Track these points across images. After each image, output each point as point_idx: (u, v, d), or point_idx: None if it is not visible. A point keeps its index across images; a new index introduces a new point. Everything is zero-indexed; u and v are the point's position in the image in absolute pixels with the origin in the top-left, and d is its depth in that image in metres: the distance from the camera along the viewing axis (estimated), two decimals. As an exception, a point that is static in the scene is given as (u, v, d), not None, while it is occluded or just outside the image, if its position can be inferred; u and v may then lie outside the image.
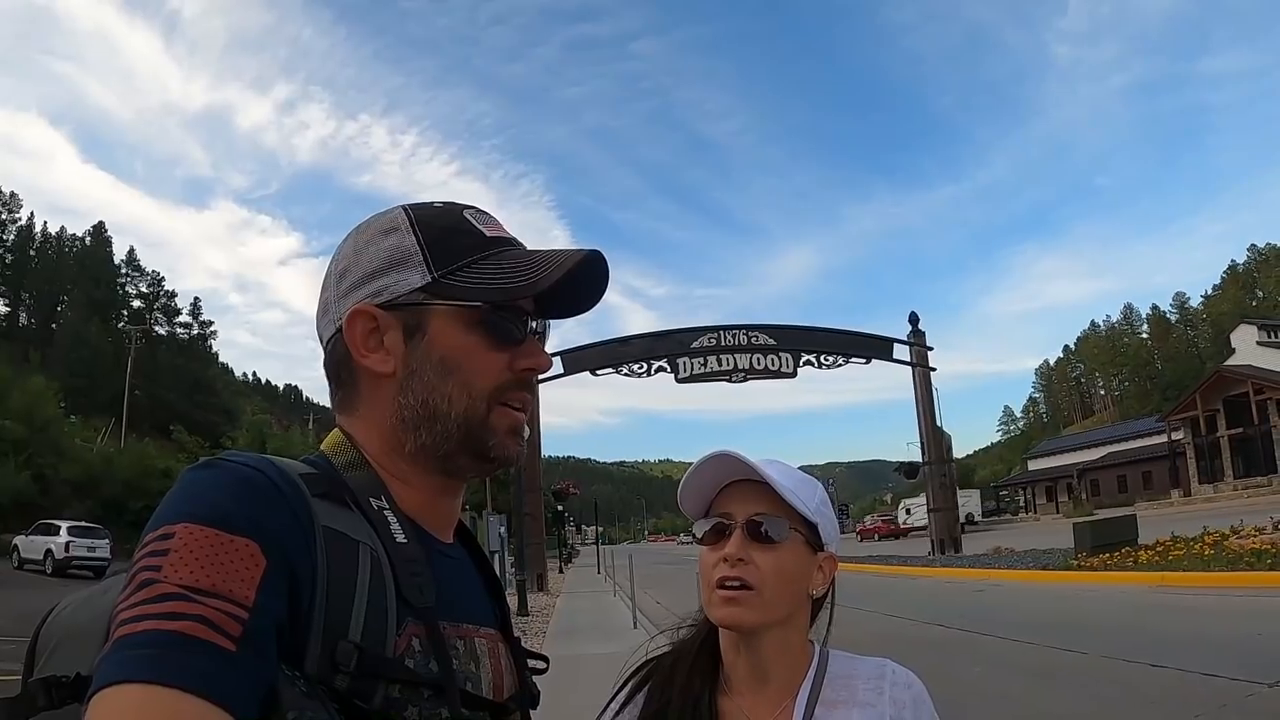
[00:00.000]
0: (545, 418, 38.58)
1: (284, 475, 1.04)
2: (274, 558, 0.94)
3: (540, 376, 1.30)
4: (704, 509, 1.73)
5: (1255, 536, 21.55)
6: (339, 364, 1.24)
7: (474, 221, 1.25)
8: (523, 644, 1.41)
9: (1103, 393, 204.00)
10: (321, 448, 1.23)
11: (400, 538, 1.11)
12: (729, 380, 40.72)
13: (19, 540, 39.69)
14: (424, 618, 1.08)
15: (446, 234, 1.22)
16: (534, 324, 1.26)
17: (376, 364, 1.20)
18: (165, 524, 0.93)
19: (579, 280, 1.24)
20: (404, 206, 1.27)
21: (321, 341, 1.27)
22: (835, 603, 1.80)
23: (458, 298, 1.19)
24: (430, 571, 1.12)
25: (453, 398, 1.18)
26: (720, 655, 1.72)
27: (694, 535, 1.73)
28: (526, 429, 1.27)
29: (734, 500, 1.67)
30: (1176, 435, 78.82)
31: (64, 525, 37.90)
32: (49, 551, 36.12)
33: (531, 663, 1.40)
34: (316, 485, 1.07)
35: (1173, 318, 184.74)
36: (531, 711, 1.38)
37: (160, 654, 0.83)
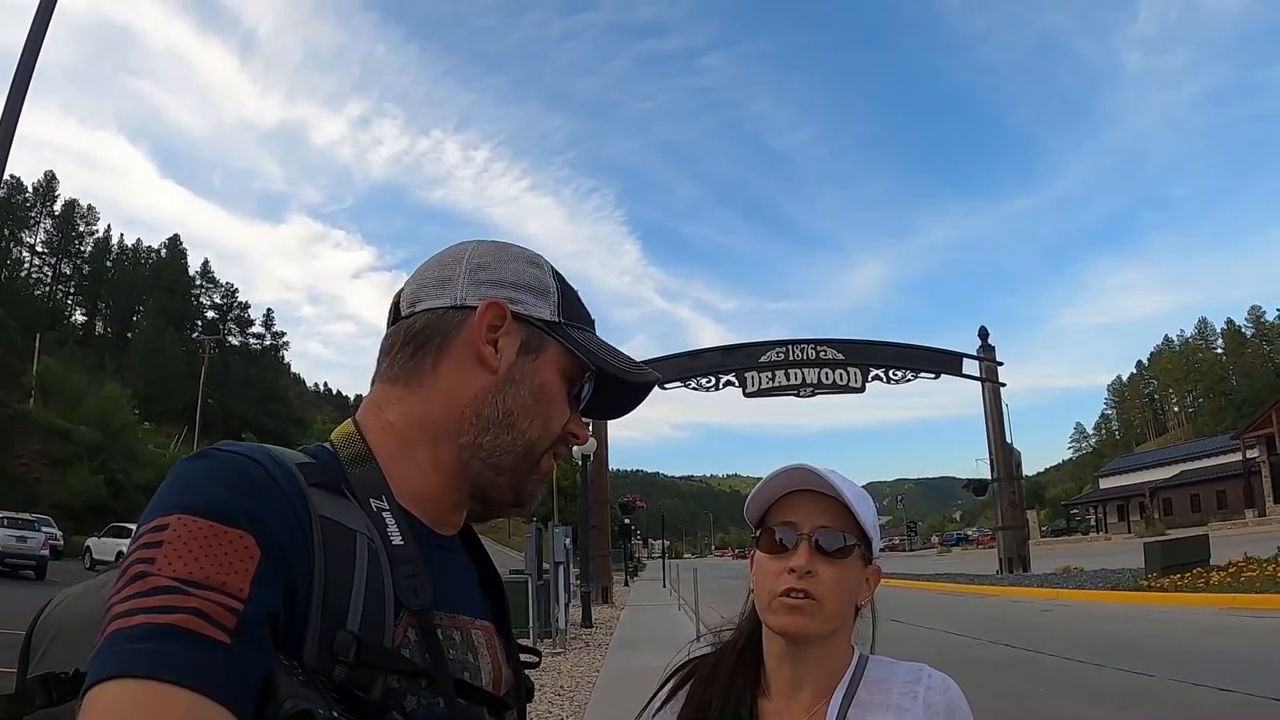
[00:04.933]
0: (614, 431, 38.68)
1: (279, 464, 1.04)
2: (269, 548, 0.94)
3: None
4: (761, 515, 1.74)
5: (1331, 559, 20.98)
6: (435, 333, 1.25)
7: (592, 318, 1.39)
8: (528, 645, 1.43)
9: (1176, 409, 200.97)
10: (331, 438, 1.23)
11: (397, 539, 1.11)
12: (797, 395, 40.35)
13: (91, 541, 40.81)
14: (418, 614, 1.08)
15: (572, 297, 1.34)
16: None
17: (489, 356, 1.23)
18: (159, 515, 0.93)
19: (630, 394, 1.40)
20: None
21: (413, 306, 1.28)
22: (884, 616, 1.83)
23: (574, 346, 1.28)
24: (427, 571, 1.11)
25: (534, 422, 1.24)
26: (761, 657, 1.74)
27: (753, 540, 1.74)
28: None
29: (798, 509, 1.67)
30: (1251, 453, 77.44)
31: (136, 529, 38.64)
32: (120, 554, 36.55)
33: (524, 657, 1.41)
34: (312, 474, 1.07)
35: (1248, 332, 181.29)
36: (528, 704, 1.40)
37: (153, 648, 0.82)
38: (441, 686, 1.06)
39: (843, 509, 1.64)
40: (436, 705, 1.05)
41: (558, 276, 1.33)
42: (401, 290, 1.31)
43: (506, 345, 1.24)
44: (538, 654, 1.48)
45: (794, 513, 1.67)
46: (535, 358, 1.25)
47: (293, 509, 1.01)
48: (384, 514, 1.13)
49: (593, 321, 1.38)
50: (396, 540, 1.11)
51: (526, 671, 1.41)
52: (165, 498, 0.96)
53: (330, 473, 1.11)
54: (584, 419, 1.35)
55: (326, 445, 1.22)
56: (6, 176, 11.43)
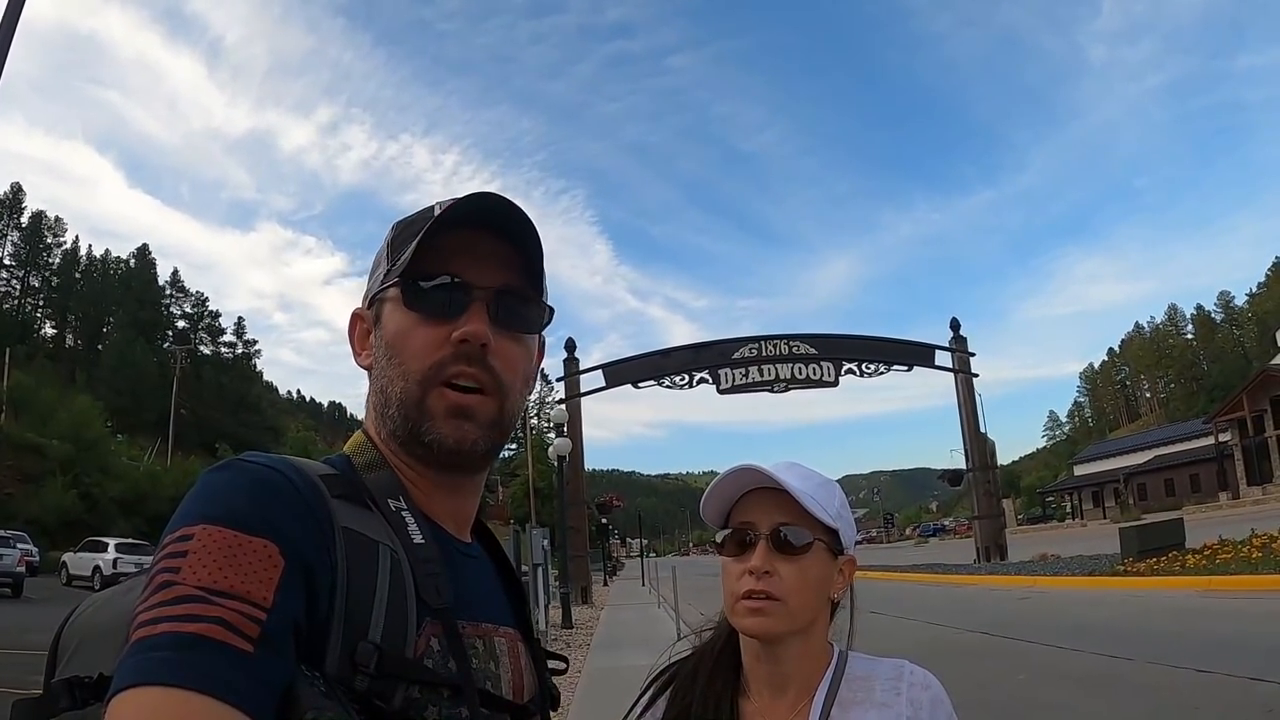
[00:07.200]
0: (588, 431, 38.76)
1: (303, 476, 1.05)
2: (292, 559, 0.95)
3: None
4: (724, 517, 1.73)
5: (1305, 539, 21.10)
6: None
7: (437, 206, 1.26)
8: (543, 645, 1.41)
9: (1148, 395, 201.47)
10: (345, 449, 1.25)
11: (418, 538, 1.12)
12: (770, 390, 40.35)
13: (67, 557, 40.15)
14: (442, 617, 1.09)
15: (407, 226, 1.26)
16: (480, 291, 1.21)
17: (362, 361, 1.29)
18: (184, 526, 0.95)
19: (497, 228, 1.23)
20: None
21: None
22: (859, 607, 1.80)
23: (385, 279, 1.23)
24: (447, 571, 1.13)
25: (394, 380, 1.20)
26: (741, 657, 1.74)
27: (716, 544, 1.74)
28: (487, 410, 1.21)
29: (755, 509, 1.66)
30: (1224, 437, 77.78)
31: (112, 542, 38.31)
32: (97, 568, 36.30)
33: (551, 663, 1.41)
34: (335, 486, 1.08)
35: (1218, 317, 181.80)
36: (552, 713, 1.40)
37: (177, 656, 0.83)
38: (467, 696, 1.07)
39: (801, 503, 1.63)
40: (459, 715, 1.06)
41: (396, 225, 1.29)
42: None
43: (374, 336, 1.27)
44: (565, 660, 1.48)
45: (751, 512, 1.67)
46: (380, 324, 1.25)
47: (315, 519, 1.02)
48: (403, 513, 1.14)
49: (431, 218, 1.20)
50: (418, 539, 1.12)
51: (554, 679, 1.42)
52: (190, 508, 0.98)
53: (352, 484, 1.13)
54: (490, 307, 1.21)
55: (343, 455, 1.24)
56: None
